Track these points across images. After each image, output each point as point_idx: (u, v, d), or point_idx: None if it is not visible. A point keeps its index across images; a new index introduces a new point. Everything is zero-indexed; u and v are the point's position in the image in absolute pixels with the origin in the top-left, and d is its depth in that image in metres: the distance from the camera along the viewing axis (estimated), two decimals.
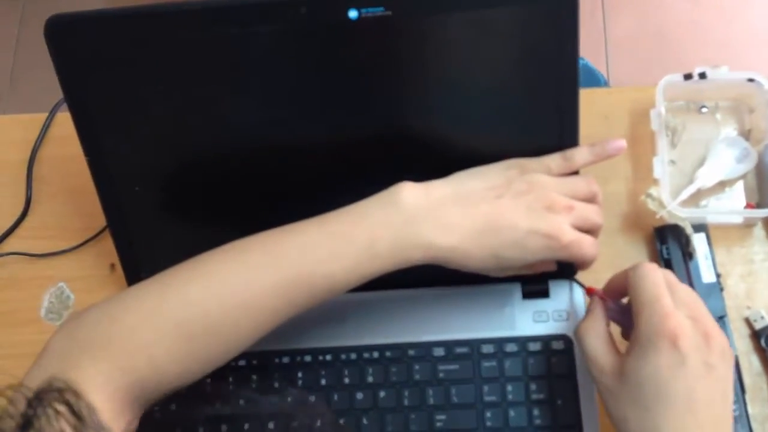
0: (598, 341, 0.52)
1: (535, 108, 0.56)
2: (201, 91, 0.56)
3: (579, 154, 0.57)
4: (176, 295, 0.50)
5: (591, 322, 0.53)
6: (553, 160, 0.56)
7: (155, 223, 0.62)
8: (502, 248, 0.52)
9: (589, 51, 1.54)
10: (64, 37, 0.52)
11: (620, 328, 0.56)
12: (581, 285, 0.56)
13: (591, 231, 0.55)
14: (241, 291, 0.50)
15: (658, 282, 0.50)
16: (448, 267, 0.53)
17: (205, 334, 0.50)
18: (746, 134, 0.66)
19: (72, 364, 0.48)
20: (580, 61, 1.22)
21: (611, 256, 0.64)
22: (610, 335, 0.53)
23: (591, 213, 0.55)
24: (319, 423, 0.59)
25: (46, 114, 0.74)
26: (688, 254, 0.62)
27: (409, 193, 0.52)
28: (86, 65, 0.54)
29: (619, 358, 0.51)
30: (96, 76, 0.55)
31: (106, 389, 0.47)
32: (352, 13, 0.50)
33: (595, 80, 1.21)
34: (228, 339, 0.51)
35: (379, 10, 0.50)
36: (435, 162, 0.58)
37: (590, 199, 0.56)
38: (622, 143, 0.57)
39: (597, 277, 0.63)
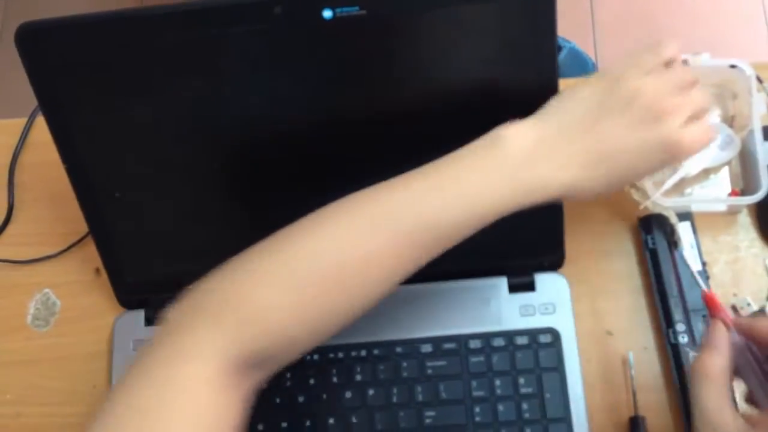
0: (719, 395, 0.43)
1: (514, 103, 0.56)
2: (176, 95, 0.55)
3: (667, 46, 0.51)
4: (295, 251, 0.47)
5: (712, 359, 0.44)
6: (645, 58, 0.50)
7: (137, 227, 0.61)
8: (617, 173, 0.49)
9: (577, 35, 1.53)
10: (36, 44, 0.52)
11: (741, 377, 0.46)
12: (707, 301, 0.48)
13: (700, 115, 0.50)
14: (360, 244, 0.47)
15: None
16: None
17: (327, 289, 0.47)
18: (729, 121, 0.66)
19: (187, 331, 0.44)
20: (568, 45, 1.22)
21: (597, 248, 0.64)
22: (732, 388, 0.45)
23: (698, 100, 0.50)
24: (308, 423, 0.59)
25: (26, 118, 0.73)
26: (673, 243, 0.62)
27: (514, 135, 0.48)
28: (59, 72, 0.53)
29: (745, 427, 0.43)
30: (69, 83, 0.54)
31: (219, 359, 0.44)
32: (327, 13, 0.50)
33: (583, 64, 1.21)
34: (351, 294, 0.47)
35: (353, 10, 0.49)
36: (412, 158, 0.58)
37: (691, 84, 0.50)
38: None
39: (582, 268, 0.63)
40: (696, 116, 0.49)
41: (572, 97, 0.50)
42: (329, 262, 0.47)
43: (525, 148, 0.48)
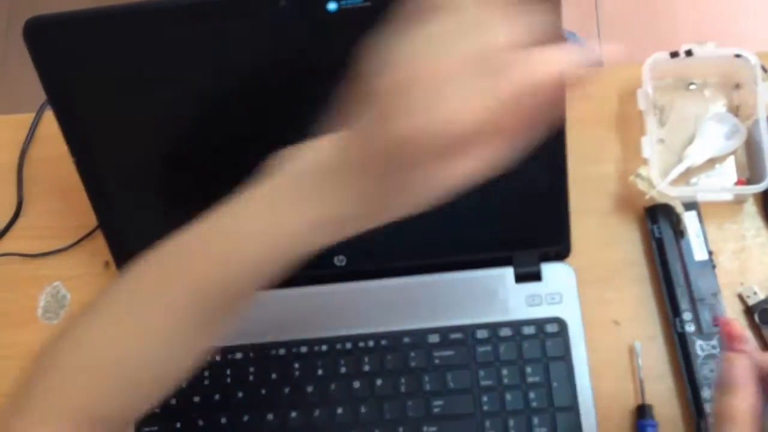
0: None
1: None
2: (184, 87, 0.55)
3: None
4: (77, 343, 0.44)
5: (736, 400, 0.38)
6: None
7: (146, 219, 0.62)
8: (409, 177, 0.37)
9: (581, 28, 1.53)
10: (44, 38, 0.52)
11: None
12: (722, 329, 0.40)
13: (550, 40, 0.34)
14: (123, 345, 0.44)
15: None
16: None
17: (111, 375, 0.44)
18: (735, 110, 0.66)
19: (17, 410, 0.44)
20: (574, 39, 1.22)
21: (603, 237, 0.64)
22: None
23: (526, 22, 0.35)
24: (317, 413, 0.60)
25: (34, 114, 0.74)
26: (679, 233, 0.62)
27: (288, 165, 0.41)
28: (68, 65, 0.54)
29: None
30: (78, 77, 0.55)
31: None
32: (332, 5, 0.50)
33: None
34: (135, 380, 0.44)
35: (358, 2, 0.50)
36: None
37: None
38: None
39: (588, 257, 0.63)
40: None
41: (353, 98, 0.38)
42: (105, 362, 0.43)
43: (297, 179, 0.40)
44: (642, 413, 0.58)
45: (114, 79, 0.55)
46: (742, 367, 0.40)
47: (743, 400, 0.39)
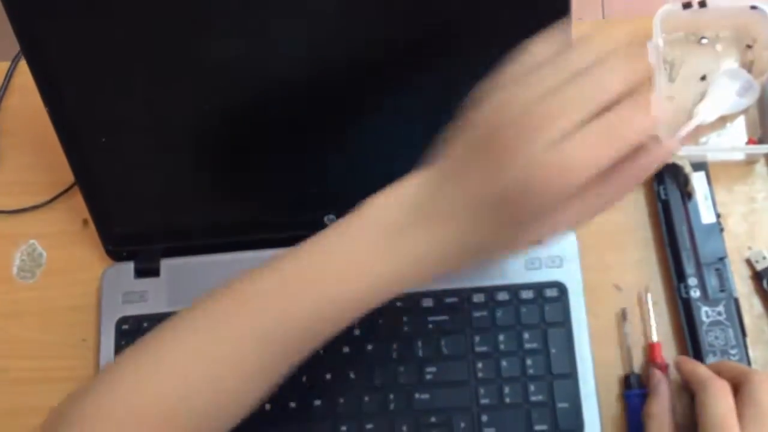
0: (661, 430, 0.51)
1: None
2: (165, 31, 0.51)
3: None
4: (135, 382, 0.42)
5: (657, 407, 0.52)
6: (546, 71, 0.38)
7: (125, 175, 0.59)
8: (507, 229, 0.40)
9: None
10: None
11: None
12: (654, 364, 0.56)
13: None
14: (211, 370, 0.42)
15: (725, 413, 0.46)
16: None
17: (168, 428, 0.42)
18: (748, 66, 0.63)
19: None
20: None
21: None
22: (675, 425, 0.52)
23: (598, 83, 0.37)
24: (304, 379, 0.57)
25: (9, 62, 0.70)
26: (686, 194, 0.59)
27: (379, 198, 0.42)
28: (40, 7, 0.50)
29: None
30: (51, 19, 0.51)
31: None
32: None
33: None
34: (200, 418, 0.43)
35: None
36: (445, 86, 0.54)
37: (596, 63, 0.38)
38: None
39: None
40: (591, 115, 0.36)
41: (456, 137, 0.40)
42: (169, 401, 0.41)
43: (393, 211, 0.41)
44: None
45: (91, 23, 0.51)
46: (661, 383, 0.54)
47: (659, 404, 0.52)
